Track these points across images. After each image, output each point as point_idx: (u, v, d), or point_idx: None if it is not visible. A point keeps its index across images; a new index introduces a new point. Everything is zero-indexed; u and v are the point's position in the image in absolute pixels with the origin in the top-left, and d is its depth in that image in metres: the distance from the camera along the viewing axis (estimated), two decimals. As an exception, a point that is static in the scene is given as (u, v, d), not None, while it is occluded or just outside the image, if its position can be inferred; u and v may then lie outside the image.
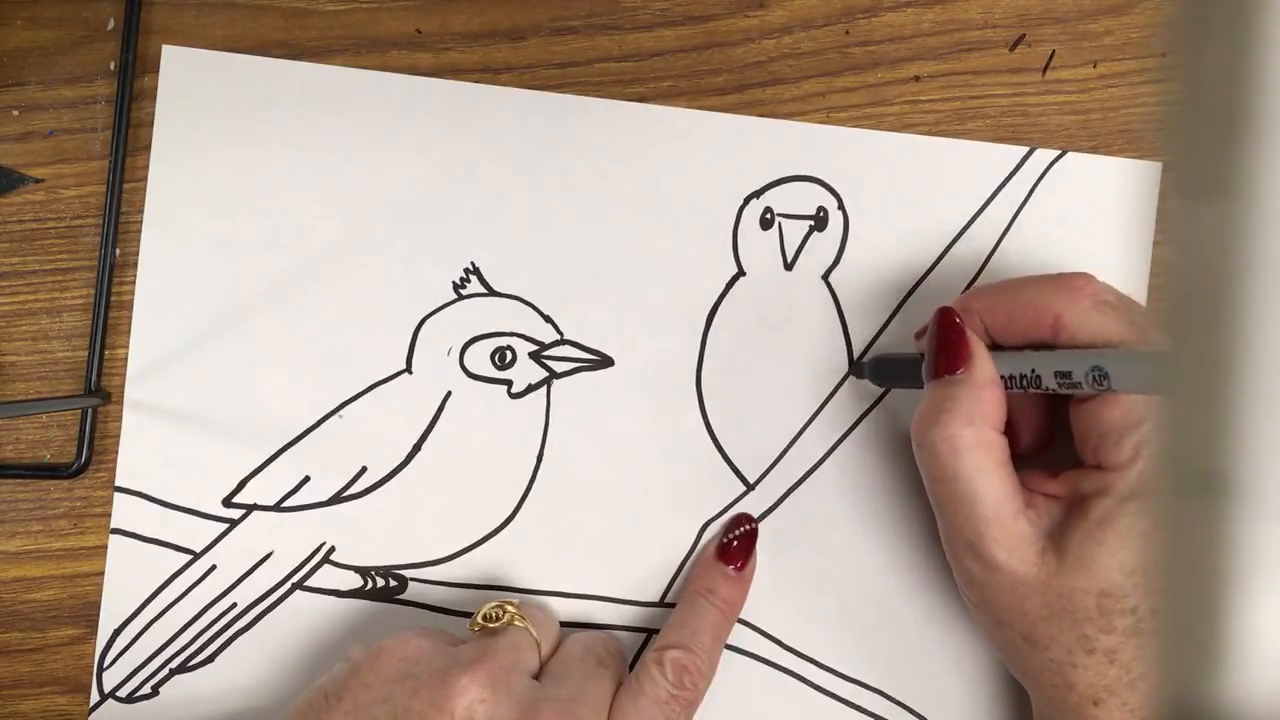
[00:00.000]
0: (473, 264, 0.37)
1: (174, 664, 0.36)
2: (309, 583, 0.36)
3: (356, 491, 0.36)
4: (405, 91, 0.37)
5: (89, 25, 0.36)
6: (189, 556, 0.36)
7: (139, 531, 0.36)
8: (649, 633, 0.36)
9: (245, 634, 0.36)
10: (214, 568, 0.36)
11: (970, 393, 0.31)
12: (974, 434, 0.31)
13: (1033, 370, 0.31)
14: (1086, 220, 0.37)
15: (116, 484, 0.36)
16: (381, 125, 0.36)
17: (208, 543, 0.36)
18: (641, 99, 0.37)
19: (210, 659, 0.36)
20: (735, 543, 0.36)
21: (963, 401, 0.31)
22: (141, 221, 0.36)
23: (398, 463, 0.36)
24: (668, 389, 0.37)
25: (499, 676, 0.30)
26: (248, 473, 0.36)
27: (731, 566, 0.35)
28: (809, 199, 0.37)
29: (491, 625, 0.32)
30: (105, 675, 0.36)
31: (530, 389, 0.37)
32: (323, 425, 0.36)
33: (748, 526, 0.36)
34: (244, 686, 0.36)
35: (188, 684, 0.36)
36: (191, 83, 0.36)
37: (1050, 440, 0.34)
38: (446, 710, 0.29)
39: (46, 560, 0.36)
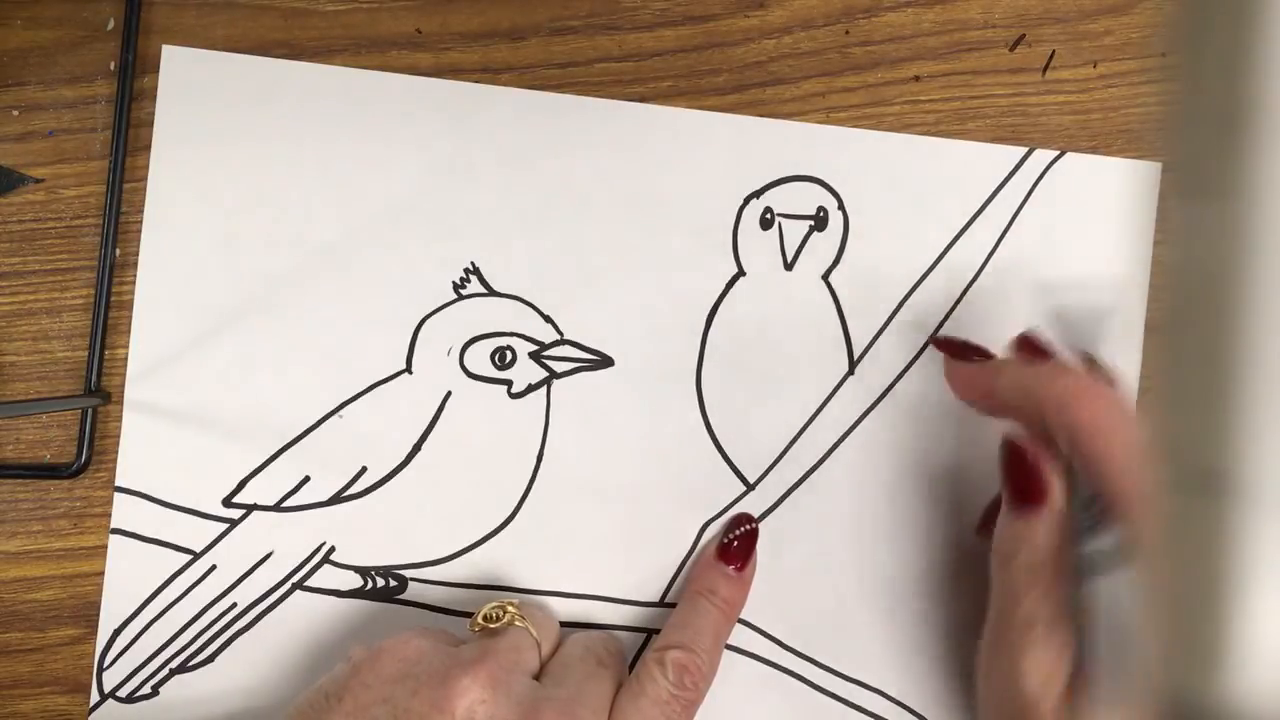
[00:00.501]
0: (473, 264, 0.37)
1: (174, 664, 0.36)
2: (309, 583, 0.36)
3: (356, 491, 0.36)
4: (405, 91, 0.37)
5: (89, 25, 0.36)
6: (189, 556, 0.36)
7: (139, 531, 0.36)
8: (649, 633, 0.36)
9: (245, 634, 0.36)
10: (214, 568, 0.36)
11: (1049, 529, 0.31)
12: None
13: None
14: (1086, 220, 0.37)
15: (116, 484, 0.36)
16: (381, 125, 0.36)
17: (208, 543, 0.36)
18: (641, 99, 0.37)
19: (210, 659, 0.36)
20: (735, 543, 0.36)
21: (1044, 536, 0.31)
22: (141, 221, 0.36)
23: (398, 463, 0.36)
24: (668, 389, 0.37)
25: (499, 677, 0.30)
26: (248, 473, 0.36)
27: (732, 566, 0.35)
28: (809, 199, 0.37)
29: (492, 625, 0.32)
30: (105, 675, 0.36)
31: (530, 389, 0.37)
32: (323, 425, 0.36)
33: (748, 526, 0.36)
34: (244, 686, 0.36)
35: (188, 684, 0.36)
36: (191, 83, 0.36)
37: None
38: (447, 710, 0.29)
39: (46, 560, 0.36)
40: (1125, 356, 0.37)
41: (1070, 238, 0.37)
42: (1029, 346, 0.33)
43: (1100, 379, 0.32)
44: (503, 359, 0.36)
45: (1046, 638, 0.30)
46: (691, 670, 0.32)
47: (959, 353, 0.35)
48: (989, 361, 0.34)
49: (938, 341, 0.36)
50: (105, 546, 0.36)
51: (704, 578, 0.35)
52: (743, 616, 0.36)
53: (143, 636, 0.36)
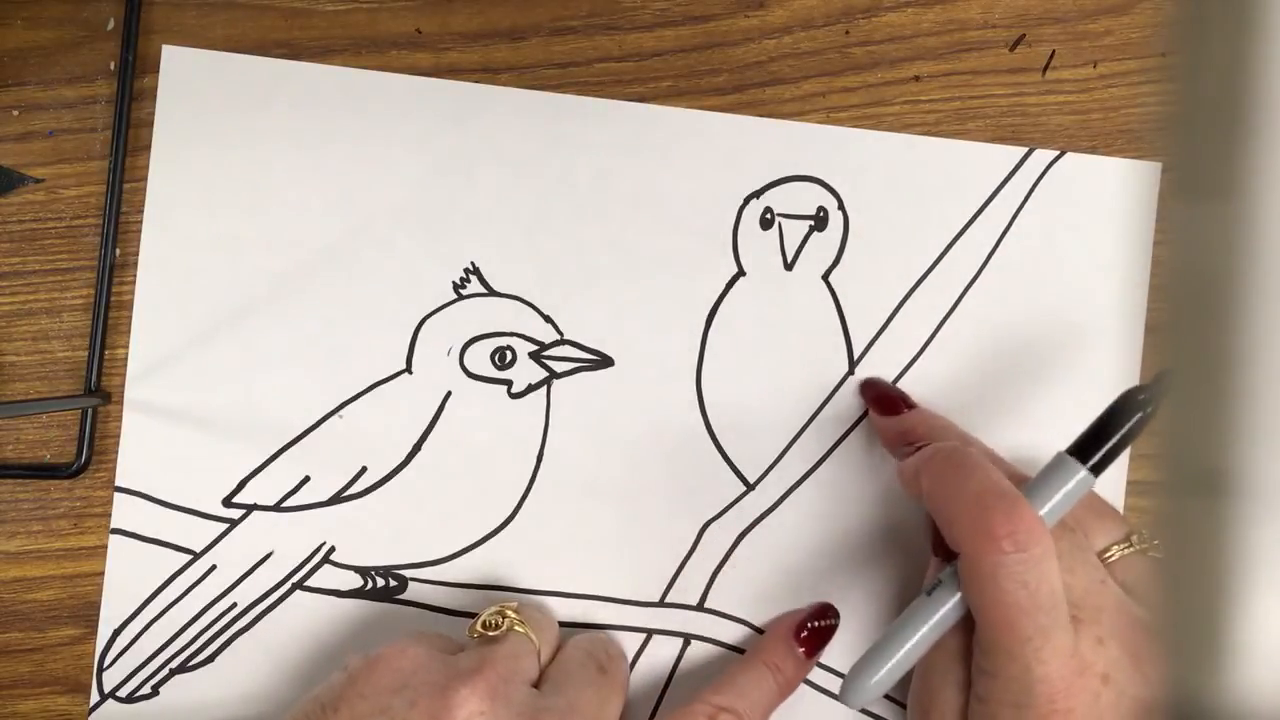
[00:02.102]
0: (473, 264, 0.37)
1: (174, 664, 0.36)
2: (309, 583, 0.36)
3: (356, 491, 0.36)
4: (405, 91, 0.37)
5: (89, 25, 0.36)
6: (189, 556, 0.36)
7: (139, 531, 0.36)
8: (649, 633, 0.36)
9: (245, 634, 0.36)
10: (214, 568, 0.36)
11: None
12: None
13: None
14: (1086, 220, 0.37)
15: (116, 484, 0.36)
16: (381, 125, 0.36)
17: (208, 543, 0.36)
18: (641, 99, 0.37)
19: (210, 659, 0.36)
20: (816, 629, 0.35)
21: None
22: (141, 221, 0.36)
23: (398, 463, 0.36)
24: (668, 389, 0.37)
25: (498, 687, 0.30)
26: (248, 473, 0.36)
27: (802, 650, 0.35)
28: (809, 199, 0.37)
29: (490, 633, 0.32)
30: (105, 675, 0.36)
31: (530, 389, 0.37)
32: (323, 425, 0.36)
33: (831, 621, 0.36)
34: (244, 686, 0.36)
35: (188, 684, 0.36)
36: (191, 83, 0.36)
37: None
38: None
39: (46, 560, 0.36)
40: (1125, 357, 0.37)
41: (1070, 238, 0.37)
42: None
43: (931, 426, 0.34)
44: (503, 359, 0.36)
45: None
46: None
47: (879, 404, 0.36)
48: (894, 419, 0.36)
49: (863, 386, 0.37)
50: (105, 546, 0.36)
51: (776, 650, 0.35)
52: (742, 616, 0.36)
53: (143, 636, 0.36)
